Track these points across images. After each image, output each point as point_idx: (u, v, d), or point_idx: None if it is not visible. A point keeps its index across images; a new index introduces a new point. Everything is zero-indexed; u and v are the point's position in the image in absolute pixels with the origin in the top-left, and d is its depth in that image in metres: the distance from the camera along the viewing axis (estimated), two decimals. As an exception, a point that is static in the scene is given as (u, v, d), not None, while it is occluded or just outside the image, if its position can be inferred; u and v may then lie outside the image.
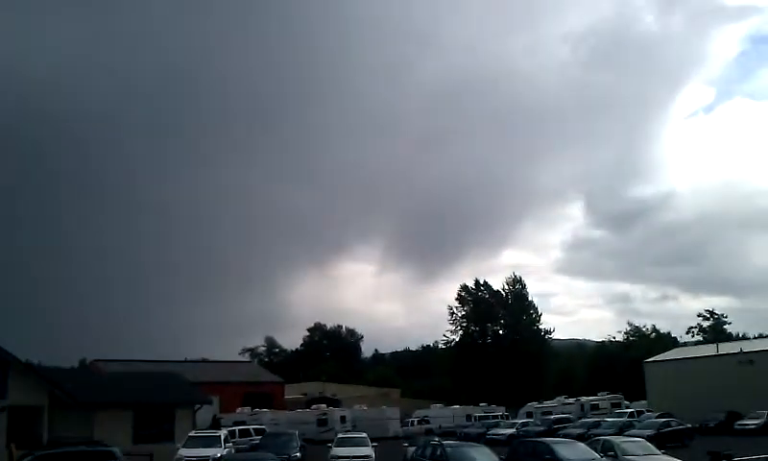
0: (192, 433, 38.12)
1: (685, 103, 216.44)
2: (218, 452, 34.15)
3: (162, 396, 43.73)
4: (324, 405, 72.03)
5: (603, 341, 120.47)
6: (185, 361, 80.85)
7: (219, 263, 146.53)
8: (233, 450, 37.36)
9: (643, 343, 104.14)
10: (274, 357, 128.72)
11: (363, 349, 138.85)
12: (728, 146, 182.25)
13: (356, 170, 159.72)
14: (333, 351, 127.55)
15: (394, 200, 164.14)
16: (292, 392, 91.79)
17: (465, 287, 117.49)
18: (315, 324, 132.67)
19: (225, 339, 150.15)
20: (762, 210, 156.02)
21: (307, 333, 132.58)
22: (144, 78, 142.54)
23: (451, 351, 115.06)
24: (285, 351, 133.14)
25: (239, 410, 67.77)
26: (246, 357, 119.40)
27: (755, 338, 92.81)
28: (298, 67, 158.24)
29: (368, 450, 36.06)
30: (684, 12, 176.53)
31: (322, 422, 65.35)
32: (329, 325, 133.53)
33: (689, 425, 50.94)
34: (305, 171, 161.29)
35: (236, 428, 51.06)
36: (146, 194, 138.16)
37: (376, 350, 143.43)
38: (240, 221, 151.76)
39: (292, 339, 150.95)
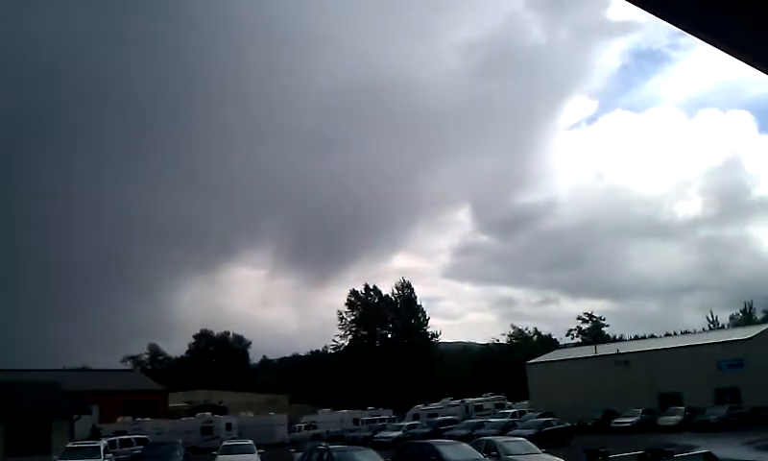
0: (70, 444, 36.72)
1: (570, 114, 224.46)
2: (98, 464, 33.02)
3: (37, 406, 41.82)
4: (209, 413, 70.78)
5: (488, 343, 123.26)
6: (63, 370, 77.53)
7: (99, 268, 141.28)
8: (113, 461, 36.24)
9: (526, 345, 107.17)
10: (157, 365, 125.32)
11: (251, 355, 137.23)
12: (608, 156, 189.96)
13: (247, 174, 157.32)
14: (220, 357, 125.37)
15: (285, 204, 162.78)
16: (176, 400, 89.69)
17: (354, 292, 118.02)
18: (201, 330, 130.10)
19: (105, 346, 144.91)
20: (639, 218, 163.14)
21: (193, 340, 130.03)
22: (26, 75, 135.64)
23: (340, 355, 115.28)
24: (170, 358, 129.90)
25: (120, 420, 65.72)
26: (128, 365, 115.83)
27: (630, 340, 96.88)
28: (189, 69, 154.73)
29: (254, 457, 35.66)
30: (569, 25, 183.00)
31: (207, 430, 64.14)
32: (216, 331, 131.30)
33: (569, 425, 52.66)
34: (193, 174, 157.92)
35: (117, 438, 49.57)
36: (22, 190, 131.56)
37: (265, 356, 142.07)
38: (122, 224, 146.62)
39: (177, 346, 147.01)
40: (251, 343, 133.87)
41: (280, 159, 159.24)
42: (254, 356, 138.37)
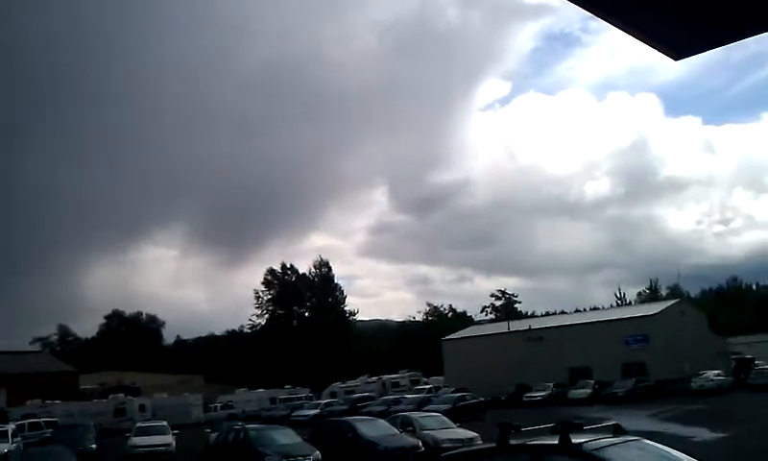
0: (-24, 429, 35.50)
1: (484, 95, 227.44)
2: (5, 448, 32.03)
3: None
4: (121, 395, 69.36)
5: (404, 321, 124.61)
6: (-32, 353, 74.80)
7: (4, 248, 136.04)
8: (22, 445, 35.17)
9: (441, 322, 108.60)
10: (67, 346, 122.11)
11: (165, 335, 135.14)
12: (521, 137, 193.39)
13: (159, 152, 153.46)
14: (132, 338, 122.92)
15: (199, 183, 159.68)
16: (88, 382, 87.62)
17: (271, 271, 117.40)
18: (113, 310, 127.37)
19: (12, 328, 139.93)
20: (550, 198, 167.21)
21: (104, 321, 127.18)
22: None
23: (257, 335, 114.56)
24: (80, 339, 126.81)
25: (29, 403, 63.67)
26: (36, 347, 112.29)
27: (542, 316, 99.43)
28: (103, 42, 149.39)
29: (168, 439, 35.23)
30: (484, 7, 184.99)
31: (119, 411, 62.90)
32: (128, 311, 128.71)
33: (483, 399, 53.65)
34: (103, 152, 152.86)
35: (25, 422, 48.09)
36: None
37: (179, 336, 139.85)
38: (30, 203, 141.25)
39: (88, 327, 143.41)
40: (164, 323, 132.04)
41: (195, 139, 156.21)
42: (168, 337, 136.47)
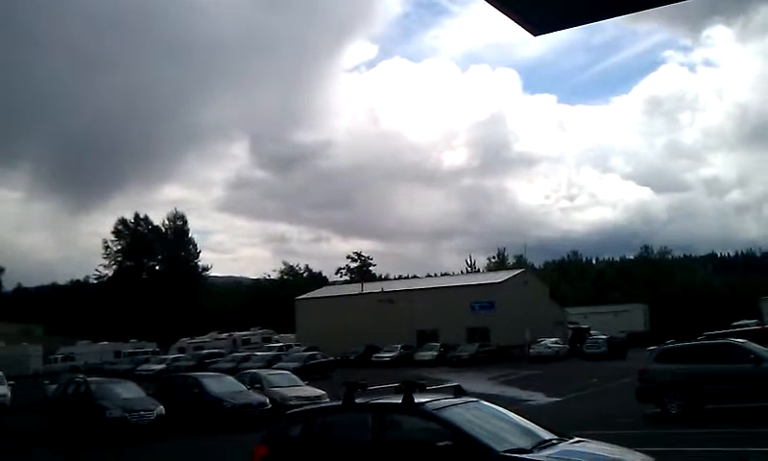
0: None
1: (351, 56, 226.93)
2: None
3: None
4: (-47, 342, 65.67)
5: (259, 279, 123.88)
6: None
7: None
8: None
9: (297, 282, 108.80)
10: None
11: (4, 282, 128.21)
12: (384, 102, 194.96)
13: (3, 83, 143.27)
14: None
15: (47, 121, 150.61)
16: None
17: (123, 221, 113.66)
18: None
19: None
20: (409, 165, 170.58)
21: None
22: None
23: (103, 286, 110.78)
24: None
25: None
26: None
27: (395, 279, 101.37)
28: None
29: (3, 389, 33.62)
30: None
31: (-51, 360, 59.48)
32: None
33: (332, 358, 54.31)
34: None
35: None
36: None
37: (20, 284, 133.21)
38: None
39: None
40: (4, 269, 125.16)
41: (43, 72, 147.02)
42: (8, 284, 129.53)
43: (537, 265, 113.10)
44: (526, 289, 70.04)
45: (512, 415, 9.36)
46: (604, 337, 61.39)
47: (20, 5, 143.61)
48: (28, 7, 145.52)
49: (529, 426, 8.83)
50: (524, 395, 32.52)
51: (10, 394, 33.45)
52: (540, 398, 31.25)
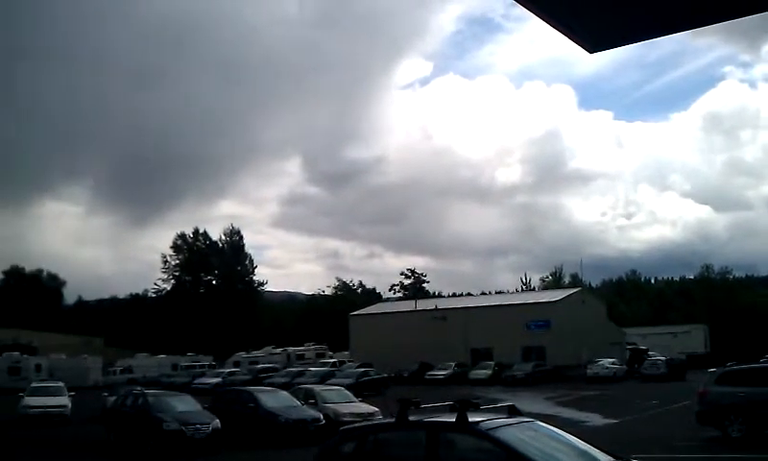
0: None
1: (405, 73, 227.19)
2: None
3: None
4: (17, 353, 67.32)
5: (313, 294, 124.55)
6: None
7: None
8: None
9: (350, 297, 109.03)
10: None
11: (66, 295, 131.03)
12: (438, 118, 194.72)
13: (65, 101, 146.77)
14: (32, 296, 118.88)
15: (106, 138, 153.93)
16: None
17: (182, 235, 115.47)
18: (11, 266, 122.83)
19: None
20: (462, 181, 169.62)
21: (2, 276, 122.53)
22: None
23: (162, 300, 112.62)
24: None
25: None
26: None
27: (448, 296, 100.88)
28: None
29: (63, 400, 34.41)
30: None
31: (14, 370, 61.19)
32: (28, 268, 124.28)
33: (386, 375, 54.27)
34: (6, 104, 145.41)
35: None
36: None
37: (80, 297, 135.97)
38: None
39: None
40: (65, 282, 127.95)
41: (103, 90, 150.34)
42: (69, 297, 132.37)
43: (593, 284, 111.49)
44: (583, 308, 69.08)
45: (568, 436, 9.22)
46: (663, 358, 60.19)
47: (82, 27, 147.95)
48: (89, 29, 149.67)
49: (585, 448, 8.68)
50: (581, 416, 32.03)
51: (70, 405, 34.22)
52: (596, 419, 30.75)
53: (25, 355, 67.20)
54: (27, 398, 34.28)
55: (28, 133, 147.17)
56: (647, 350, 69.07)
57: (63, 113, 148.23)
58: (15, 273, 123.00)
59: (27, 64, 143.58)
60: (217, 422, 23.39)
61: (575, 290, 77.68)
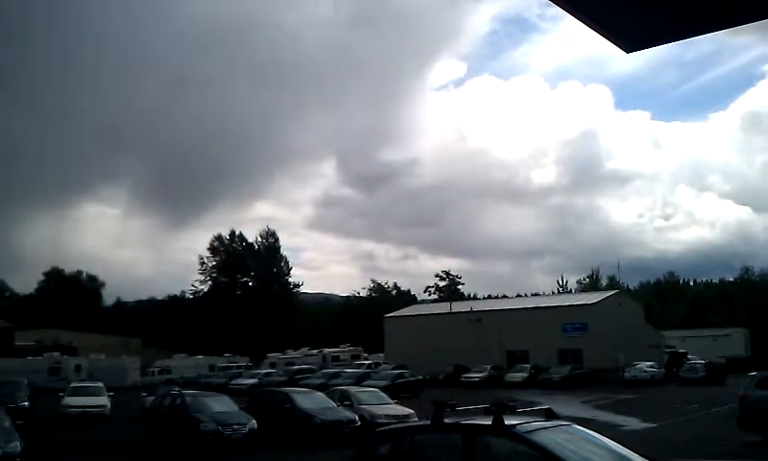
0: None
1: (439, 74, 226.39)
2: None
3: None
4: (57, 353, 68.50)
5: (348, 296, 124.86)
6: None
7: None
8: (-49, 400, 34.40)
9: (385, 299, 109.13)
10: (4, 302, 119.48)
11: (105, 296, 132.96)
12: (472, 119, 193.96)
13: (101, 106, 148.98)
14: (72, 297, 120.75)
15: (143, 141, 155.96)
16: (23, 338, 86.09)
17: (219, 237, 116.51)
18: (52, 268, 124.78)
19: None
20: (497, 183, 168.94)
21: (43, 278, 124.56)
22: None
23: (199, 301, 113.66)
24: (17, 295, 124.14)
25: (-40, 357, 62.45)
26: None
27: (483, 298, 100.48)
28: (47, 2, 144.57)
29: (103, 400, 34.88)
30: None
31: (54, 370, 62.19)
32: (68, 269, 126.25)
33: (421, 377, 54.20)
34: (41, 106, 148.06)
35: (-44, 376, 46.98)
36: None
37: (119, 298, 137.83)
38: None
39: (26, 283, 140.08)
40: (104, 284, 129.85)
41: (141, 94, 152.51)
42: (108, 298, 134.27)
43: (631, 286, 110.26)
44: (620, 311, 68.39)
45: (605, 440, 9.14)
46: (702, 362, 59.37)
47: (121, 32, 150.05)
48: (128, 33, 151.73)
49: (623, 452, 8.59)
50: (618, 419, 31.70)
51: (109, 405, 34.69)
52: (634, 423, 30.41)
53: (65, 356, 68.29)
54: (67, 398, 34.82)
55: (67, 137, 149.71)
56: (686, 353, 68.24)
57: (102, 117, 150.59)
58: (56, 274, 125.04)
59: (68, 69, 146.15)
60: (253, 422, 23.55)
61: (612, 292, 76.96)
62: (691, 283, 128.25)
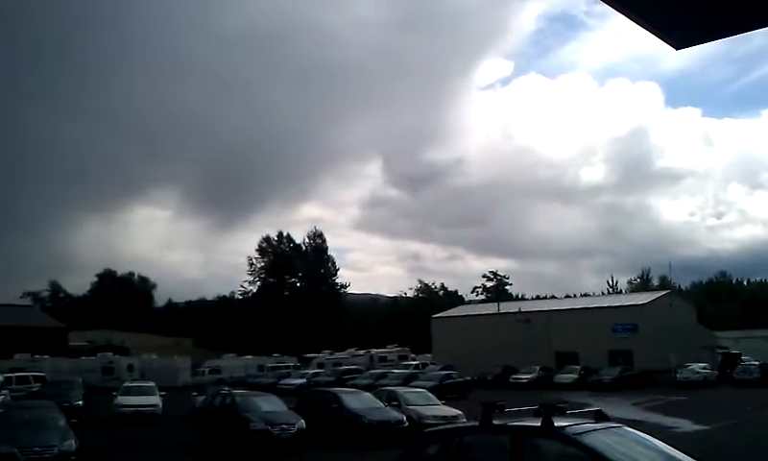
0: (-38, 379, 35.70)
1: (485, 74, 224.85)
2: (-9, 400, 32.16)
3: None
4: (110, 353, 69.67)
5: (395, 296, 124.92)
6: (-43, 303, 74.59)
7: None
8: (9, 398, 35.24)
9: (432, 300, 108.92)
10: (58, 303, 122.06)
11: (156, 297, 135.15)
12: (519, 118, 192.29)
13: (152, 110, 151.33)
14: (124, 298, 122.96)
15: (192, 145, 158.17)
16: (77, 339, 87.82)
17: (267, 238, 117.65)
18: (105, 269, 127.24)
19: (3, 282, 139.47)
20: (544, 181, 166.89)
21: (96, 279, 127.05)
22: None
23: (248, 302, 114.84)
24: (71, 296, 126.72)
25: (17, 356, 63.86)
26: (27, 301, 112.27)
27: (532, 299, 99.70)
28: (100, 8, 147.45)
29: (155, 399, 35.40)
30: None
31: (107, 370, 63.29)
32: (120, 271, 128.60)
33: (469, 378, 53.95)
34: (93, 110, 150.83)
35: (13, 375, 48.10)
36: None
37: (170, 299, 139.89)
38: (22, 159, 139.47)
39: (79, 284, 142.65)
40: (156, 285, 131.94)
41: (186, 98, 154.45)
42: (160, 299, 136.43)
43: (682, 286, 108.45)
44: (671, 311, 67.25)
45: (657, 442, 9.00)
46: (757, 363, 58.21)
47: (169, 38, 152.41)
48: (176, 39, 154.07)
49: (675, 455, 8.46)
50: (670, 422, 31.20)
51: (161, 404, 35.22)
52: (686, 425, 29.89)
53: (118, 356, 69.43)
54: (120, 397, 35.42)
55: (117, 141, 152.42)
56: (740, 354, 66.91)
57: (152, 121, 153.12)
58: (108, 276, 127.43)
59: (117, 74, 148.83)
60: (302, 422, 23.70)
61: (663, 293, 75.75)
62: (744, 283, 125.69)
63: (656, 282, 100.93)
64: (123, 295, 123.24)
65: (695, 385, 54.50)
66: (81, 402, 33.13)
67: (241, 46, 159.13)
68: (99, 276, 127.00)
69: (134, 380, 46.59)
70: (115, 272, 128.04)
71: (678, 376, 56.84)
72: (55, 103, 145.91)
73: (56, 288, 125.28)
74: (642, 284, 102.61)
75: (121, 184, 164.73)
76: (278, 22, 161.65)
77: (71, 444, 19.11)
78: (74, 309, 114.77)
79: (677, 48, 3.71)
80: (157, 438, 28.45)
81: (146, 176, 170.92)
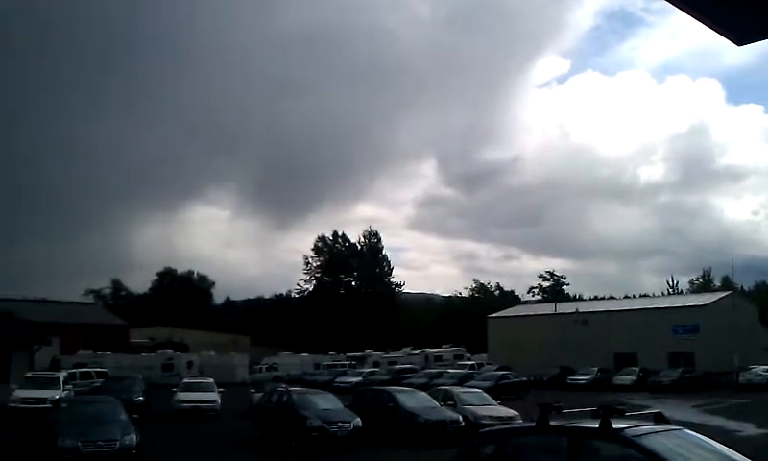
0: (29, 374, 36.68)
1: (541, 72, 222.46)
2: (56, 394, 32.99)
3: (-5, 335, 41.40)
4: (170, 350, 70.96)
5: (450, 296, 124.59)
6: (23, 300, 76.53)
7: (62, 200, 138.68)
8: (73, 393, 36.18)
9: (488, 299, 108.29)
10: (120, 300, 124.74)
11: (214, 295, 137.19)
12: (576, 116, 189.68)
13: (212, 112, 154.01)
14: (183, 296, 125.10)
15: (250, 146, 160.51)
16: (138, 336, 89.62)
17: (322, 238, 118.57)
18: (165, 268, 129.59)
19: (67, 279, 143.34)
20: (602, 180, 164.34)
21: (156, 277, 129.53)
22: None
23: (304, 300, 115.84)
24: (132, 294, 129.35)
25: (80, 352, 65.51)
26: (90, 299, 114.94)
27: (589, 300, 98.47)
28: (150, 4, 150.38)
29: (214, 396, 35.92)
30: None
31: (167, 366, 64.46)
32: (180, 269, 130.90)
33: (525, 379, 53.55)
34: (153, 112, 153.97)
35: (77, 371, 49.40)
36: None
37: (228, 297, 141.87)
38: (80, 160, 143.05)
39: (140, 282, 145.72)
40: (214, 283, 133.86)
41: (245, 100, 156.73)
42: (218, 297, 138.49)
43: (745, 287, 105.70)
44: (734, 312, 65.75)
45: (718, 446, 8.82)
46: (822, 366, 56.56)
47: (228, 40, 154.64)
48: (230, 39, 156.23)
49: (737, 459, 8.28)
50: (732, 425, 30.49)
51: (219, 400, 35.74)
52: (749, 429, 29.21)
53: (177, 353, 70.66)
54: (180, 393, 36.04)
55: (176, 142, 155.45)
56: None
57: (209, 122, 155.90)
58: (168, 274, 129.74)
59: (176, 76, 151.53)
60: (358, 420, 23.78)
61: (725, 293, 74.11)
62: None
63: (717, 283, 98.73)
64: (182, 293, 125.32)
65: (758, 388, 53.13)
66: (141, 398, 33.78)
67: (298, 48, 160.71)
68: (159, 274, 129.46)
69: (194, 377, 47.32)
70: (175, 270, 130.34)
71: (740, 378, 55.56)
72: (116, 105, 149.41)
73: (118, 286, 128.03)
74: (704, 285, 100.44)
75: (181, 184, 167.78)
76: (335, 23, 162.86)
77: (132, 438, 19.52)
78: (135, 307, 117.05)
79: (738, 44, 3.64)
80: (216, 434, 28.87)
81: (205, 176, 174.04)
